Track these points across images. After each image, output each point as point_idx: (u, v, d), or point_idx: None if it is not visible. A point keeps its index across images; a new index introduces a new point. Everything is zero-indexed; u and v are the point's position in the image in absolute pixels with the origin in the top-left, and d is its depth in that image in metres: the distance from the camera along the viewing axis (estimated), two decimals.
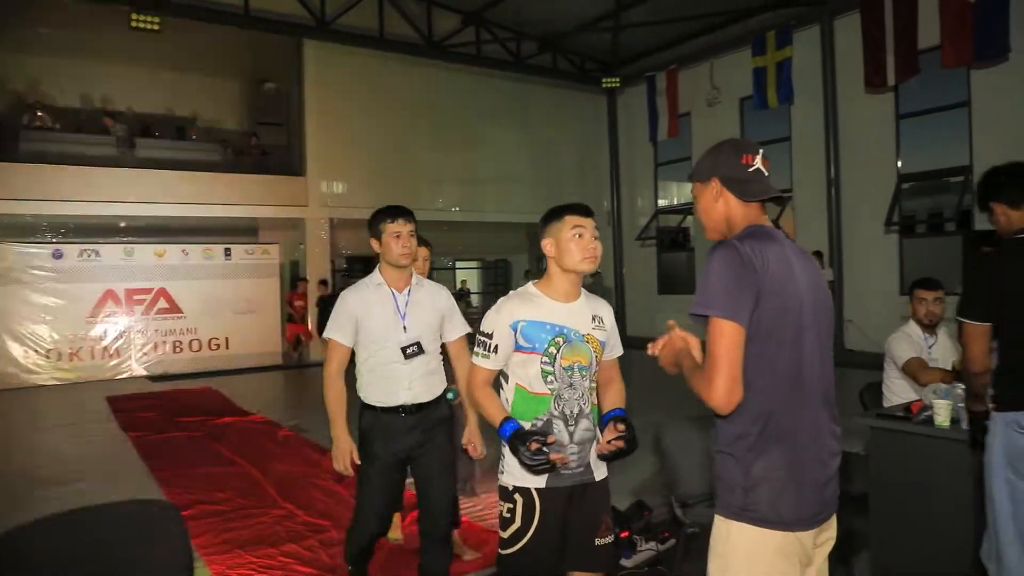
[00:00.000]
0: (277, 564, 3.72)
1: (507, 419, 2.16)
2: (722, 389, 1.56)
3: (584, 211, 2.25)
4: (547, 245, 2.25)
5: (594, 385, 2.28)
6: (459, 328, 2.97)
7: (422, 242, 3.44)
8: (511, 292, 2.33)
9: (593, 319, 2.26)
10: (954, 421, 2.86)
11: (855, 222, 11.33)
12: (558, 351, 2.21)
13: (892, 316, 8.88)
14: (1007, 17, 8.99)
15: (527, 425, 2.17)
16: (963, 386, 3.10)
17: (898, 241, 11.16)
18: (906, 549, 2.96)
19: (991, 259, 2.57)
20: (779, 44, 11.78)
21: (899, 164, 11.18)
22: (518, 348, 2.20)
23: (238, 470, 5.62)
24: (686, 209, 15.10)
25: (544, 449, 2.06)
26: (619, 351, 2.38)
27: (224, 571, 3.64)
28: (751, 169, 1.76)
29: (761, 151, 1.80)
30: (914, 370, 3.64)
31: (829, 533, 1.74)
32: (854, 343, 10.62)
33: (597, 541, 2.27)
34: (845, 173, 11.43)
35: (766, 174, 1.78)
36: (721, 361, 1.57)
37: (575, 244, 2.19)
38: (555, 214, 2.25)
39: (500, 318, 2.22)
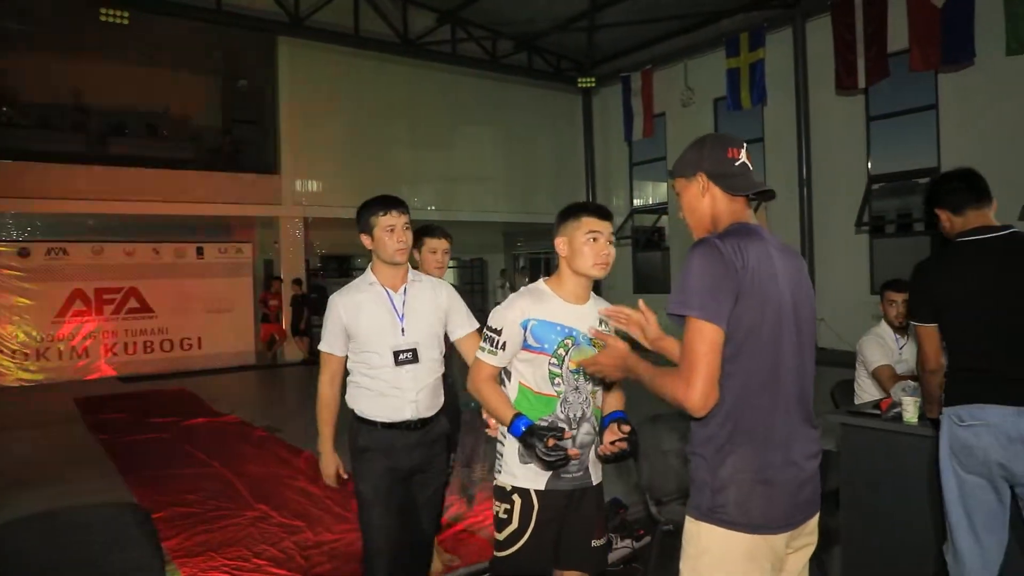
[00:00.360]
0: (251, 567, 3.68)
1: (518, 415, 2.11)
2: (699, 391, 1.53)
3: (603, 214, 2.19)
4: (560, 244, 2.19)
5: (597, 389, 2.24)
6: (467, 323, 2.69)
7: (441, 233, 3.25)
8: (522, 288, 2.27)
9: (601, 322, 2.21)
10: (922, 417, 2.91)
11: (826, 222, 11.48)
12: (567, 353, 2.17)
13: (863, 315, 9.02)
14: (972, 22, 9.16)
15: None
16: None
17: (868, 241, 11.33)
18: (877, 544, 3.01)
19: (932, 262, 2.62)
20: (752, 46, 11.91)
21: (869, 165, 11.36)
22: (526, 347, 2.16)
23: (211, 472, 5.55)
24: (661, 209, 15.21)
25: (560, 444, 2.04)
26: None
27: (196, 574, 3.59)
28: (737, 163, 1.73)
29: (745, 145, 1.77)
30: (883, 380, 3.71)
31: (808, 538, 1.71)
32: (825, 341, 10.75)
33: (593, 543, 2.26)
34: (816, 174, 11.58)
35: (751, 168, 1.75)
36: (699, 363, 1.53)
37: (589, 248, 2.13)
38: (572, 213, 2.18)
39: (511, 315, 2.16)
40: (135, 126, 13.08)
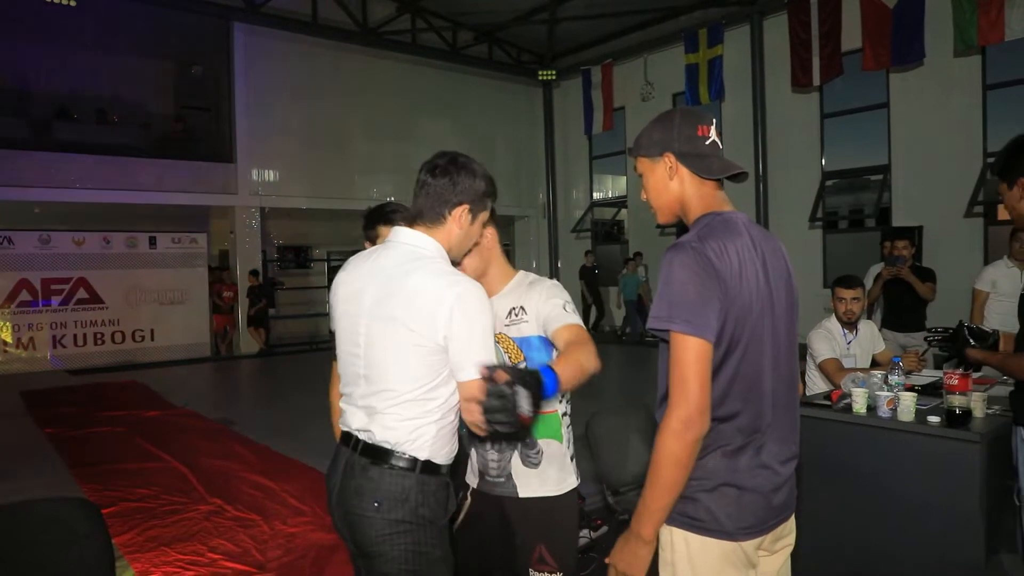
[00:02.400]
0: (205, 560, 3.63)
1: None
2: (694, 408, 1.39)
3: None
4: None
5: None
6: None
7: (401, 218, 2.98)
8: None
9: (509, 313, 2.00)
10: (870, 408, 3.00)
11: (781, 217, 11.72)
12: None
13: (816, 308, 9.23)
14: (923, 24, 9.42)
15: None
16: (879, 375, 3.26)
17: (821, 236, 11.61)
18: (827, 532, 3.10)
19: None
20: (711, 42, 12.07)
21: (823, 162, 11.63)
22: None
23: (164, 466, 5.45)
24: (620, 202, 15.34)
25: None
26: (565, 320, 1.91)
27: (148, 569, 3.53)
28: (708, 142, 1.57)
29: (714, 121, 1.61)
30: (830, 373, 3.81)
31: (786, 540, 1.64)
32: None
33: (532, 572, 2.00)
34: (772, 170, 11.81)
35: (721, 147, 1.60)
36: (690, 382, 1.40)
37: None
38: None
39: None
40: (83, 111, 12.66)
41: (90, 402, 8.17)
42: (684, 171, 1.58)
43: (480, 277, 1.99)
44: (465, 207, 1.78)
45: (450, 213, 1.78)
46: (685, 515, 1.51)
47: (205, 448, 5.92)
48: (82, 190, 11.00)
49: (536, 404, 1.55)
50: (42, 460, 5.78)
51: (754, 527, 1.51)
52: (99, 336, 11.51)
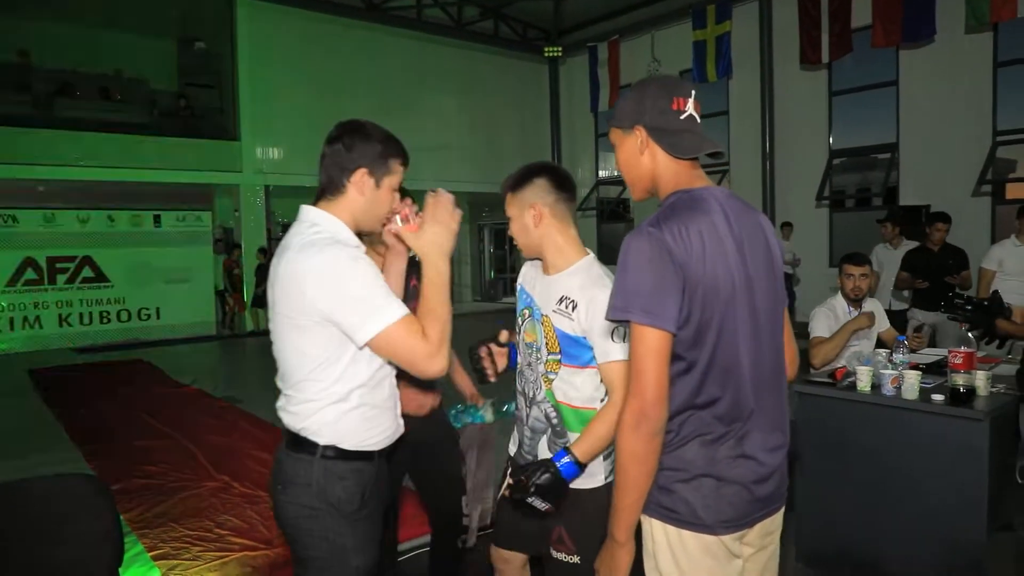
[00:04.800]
0: (213, 536, 3.67)
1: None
2: (650, 398, 1.33)
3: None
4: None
5: (552, 375, 1.95)
6: None
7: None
8: None
9: (561, 300, 1.91)
10: (874, 386, 3.01)
11: (788, 195, 11.66)
12: (523, 324, 2.07)
13: (822, 287, 9.21)
14: (933, 0, 9.30)
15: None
16: (884, 353, 3.26)
17: (828, 215, 11.55)
18: (830, 510, 3.12)
19: None
20: (718, 18, 11.93)
21: (831, 140, 11.53)
22: None
23: (171, 443, 5.49)
24: None
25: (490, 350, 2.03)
26: (610, 356, 1.81)
27: (156, 545, 3.57)
28: (683, 116, 1.47)
29: (694, 92, 1.50)
30: (811, 347, 3.80)
31: (773, 535, 1.55)
32: None
33: (552, 551, 2.01)
34: (779, 147, 11.73)
35: (698, 120, 1.49)
36: (647, 374, 1.33)
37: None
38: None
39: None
40: (86, 88, 12.61)
41: (97, 380, 8.23)
42: (655, 147, 1.48)
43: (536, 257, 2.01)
44: (363, 171, 1.70)
45: (349, 180, 1.70)
46: (662, 506, 1.45)
47: (212, 425, 5.97)
48: (86, 168, 10.99)
49: (555, 497, 1.75)
50: (50, 438, 5.83)
51: (734, 520, 1.43)
52: (105, 315, 11.57)
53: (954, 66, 9.85)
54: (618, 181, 15.72)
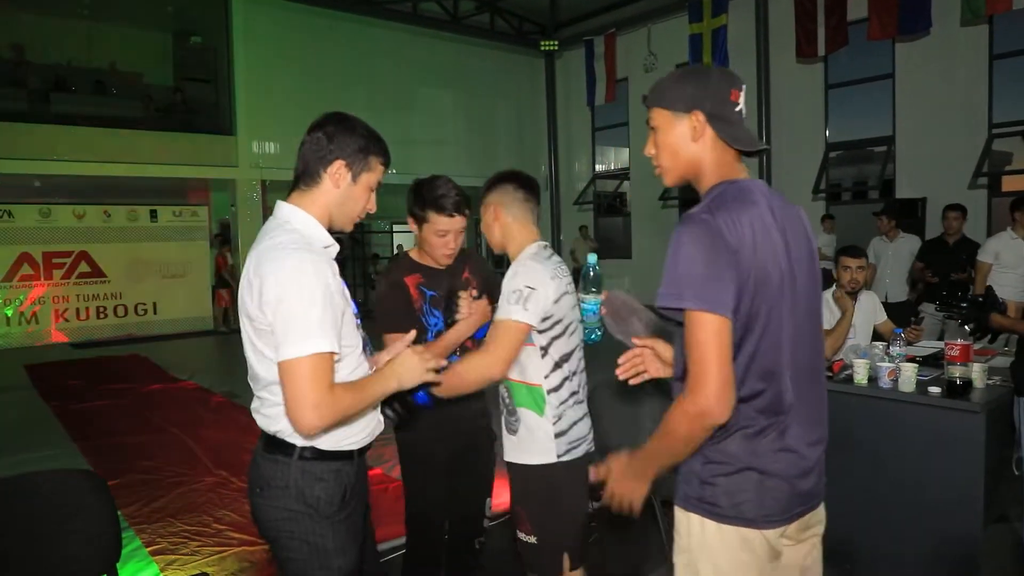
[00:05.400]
0: (211, 531, 3.66)
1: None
2: (713, 397, 1.30)
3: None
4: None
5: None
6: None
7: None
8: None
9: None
10: (871, 379, 3.01)
11: (785, 189, 11.61)
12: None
13: None
14: None
15: None
16: (881, 346, 3.26)
17: (825, 208, 11.54)
18: (825, 500, 3.12)
19: None
20: (715, 11, 11.87)
21: (827, 133, 11.53)
22: None
23: (168, 438, 5.49)
24: (623, 174, 15.24)
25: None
26: (499, 314, 2.01)
27: (154, 540, 3.57)
28: (737, 109, 1.45)
29: (744, 87, 1.48)
30: None
31: (813, 529, 1.53)
32: None
33: (517, 532, 2.12)
34: (776, 141, 11.71)
35: (744, 116, 1.48)
36: (709, 363, 1.30)
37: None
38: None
39: None
40: (81, 83, 12.55)
41: (94, 375, 8.21)
42: (710, 134, 1.44)
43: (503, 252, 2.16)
44: (341, 163, 1.66)
45: (325, 171, 1.66)
46: (703, 500, 1.43)
47: (209, 421, 5.97)
48: (81, 163, 10.92)
49: (407, 414, 1.83)
50: (47, 433, 5.82)
51: (777, 515, 1.41)
52: (102, 310, 11.53)
53: (950, 59, 9.84)
54: (614, 175, 15.71)
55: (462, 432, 2.39)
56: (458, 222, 2.30)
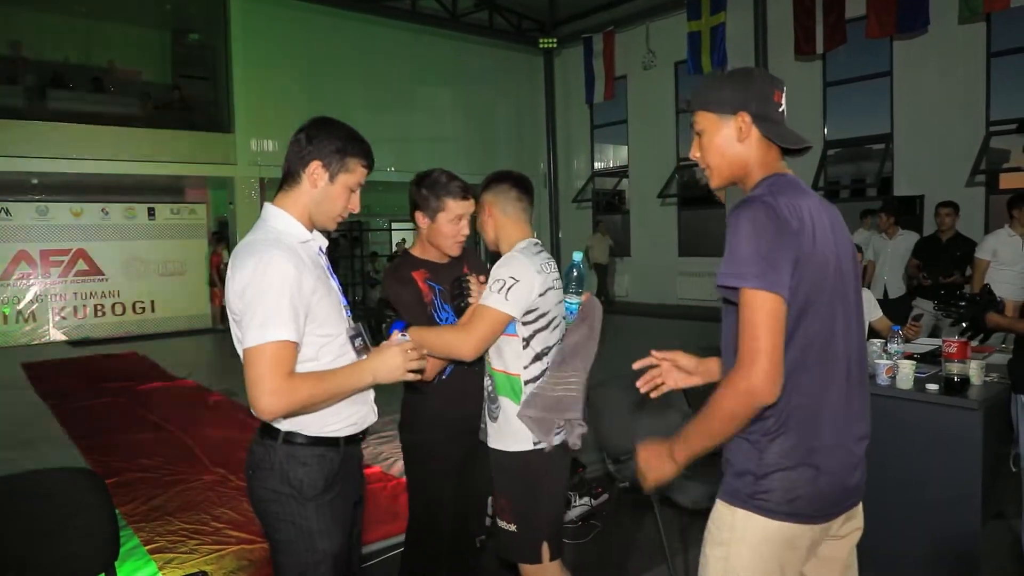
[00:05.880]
0: (209, 530, 3.66)
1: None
2: (764, 372, 1.30)
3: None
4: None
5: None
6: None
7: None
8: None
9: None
10: (869, 376, 3.01)
11: None
12: None
13: None
14: None
15: None
16: (878, 343, 3.26)
17: None
18: None
19: None
20: (713, 9, 11.88)
21: (825, 131, 11.53)
22: None
23: (166, 436, 5.48)
24: (622, 172, 15.24)
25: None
26: (481, 300, 2.12)
27: (152, 539, 3.56)
28: (780, 109, 1.50)
29: (785, 88, 1.52)
30: None
31: (854, 523, 1.55)
32: None
33: (497, 520, 2.18)
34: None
35: (786, 116, 1.52)
36: (762, 340, 1.30)
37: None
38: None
39: None
40: (79, 80, 12.52)
41: (92, 373, 8.20)
42: (756, 134, 1.48)
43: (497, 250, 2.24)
44: (317, 163, 1.74)
45: (304, 171, 1.74)
46: (755, 496, 1.42)
47: (207, 419, 5.96)
48: (79, 160, 10.89)
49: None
50: (44, 431, 5.81)
51: (828, 509, 1.43)
52: (99, 308, 11.52)
53: (948, 56, 9.85)
54: (613, 173, 15.71)
55: (468, 431, 2.39)
56: (471, 205, 2.36)
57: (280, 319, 1.57)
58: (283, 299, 1.59)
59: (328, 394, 1.65)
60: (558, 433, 2.13)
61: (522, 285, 2.05)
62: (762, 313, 1.31)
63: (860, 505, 1.55)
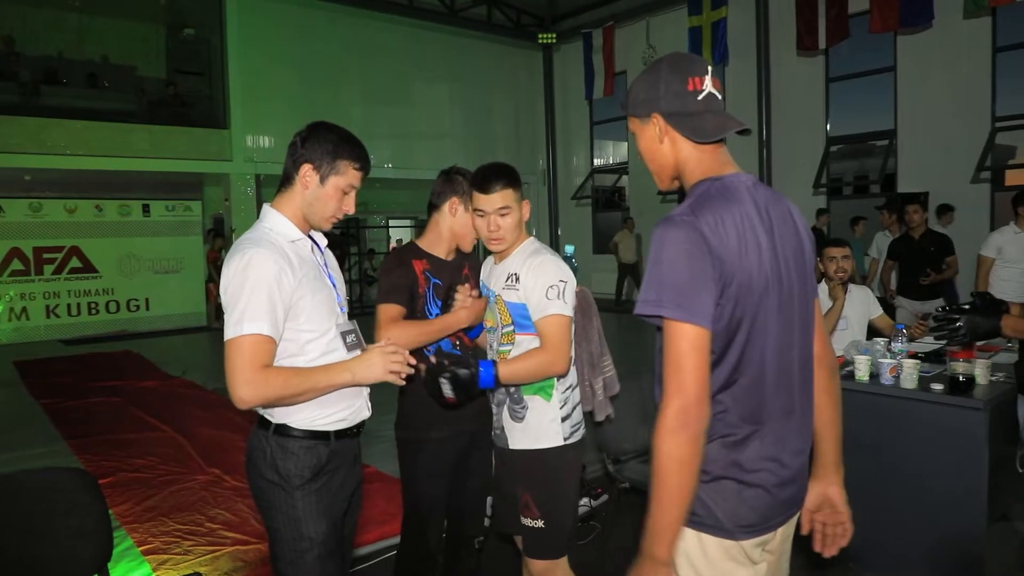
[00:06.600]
0: (204, 531, 3.65)
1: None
2: (688, 398, 1.25)
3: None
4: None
5: (504, 349, 2.19)
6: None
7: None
8: None
9: (508, 277, 2.18)
10: (872, 375, 3.00)
11: (785, 183, 11.64)
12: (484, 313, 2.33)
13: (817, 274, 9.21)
14: None
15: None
16: (882, 342, 3.25)
17: (826, 203, 11.55)
18: None
19: None
20: (714, 4, 11.86)
21: (828, 127, 11.52)
22: None
23: (161, 436, 5.47)
24: (622, 168, 15.23)
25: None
26: (545, 311, 2.07)
27: (146, 539, 3.55)
28: (700, 96, 1.39)
29: (710, 68, 1.42)
30: None
31: (785, 544, 1.53)
32: None
33: (521, 518, 2.19)
34: (776, 135, 11.70)
35: (719, 98, 1.42)
36: (685, 373, 1.26)
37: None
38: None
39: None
40: (73, 76, 12.49)
41: (85, 372, 8.18)
42: (675, 133, 1.41)
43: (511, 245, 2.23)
44: (308, 166, 1.81)
45: (296, 174, 1.82)
46: None
47: (202, 418, 5.94)
48: (73, 156, 10.87)
49: (462, 393, 1.99)
50: (37, 431, 5.80)
51: (756, 526, 1.38)
52: (93, 306, 11.50)
53: (952, 51, 9.84)
54: (613, 170, 15.70)
55: (464, 431, 2.39)
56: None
57: (256, 314, 1.66)
58: (260, 295, 1.67)
59: (302, 388, 1.71)
60: (576, 430, 2.21)
61: (570, 285, 2.12)
62: (684, 344, 1.26)
63: (794, 520, 1.53)
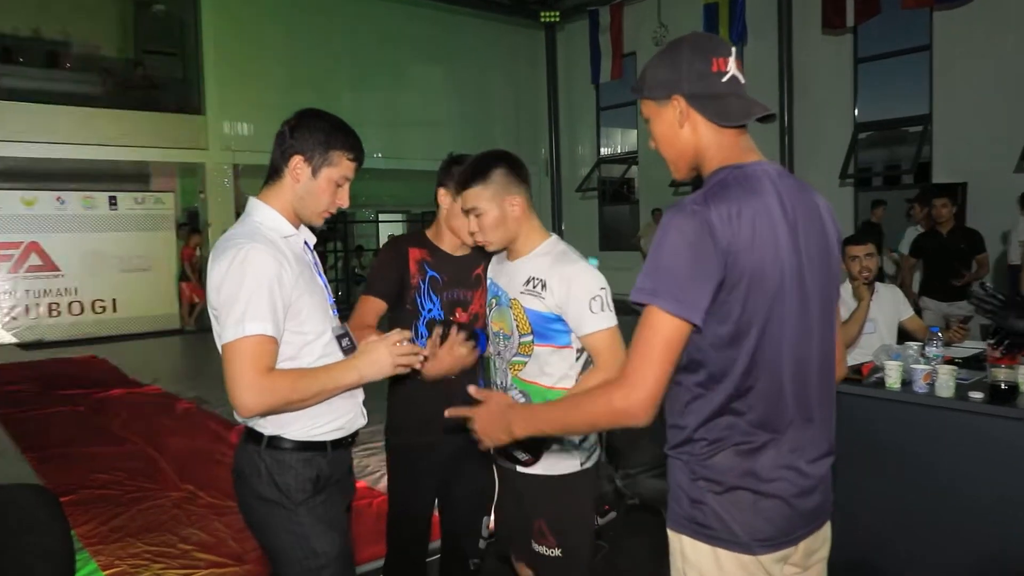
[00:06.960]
0: (176, 552, 3.65)
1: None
2: (646, 400, 1.29)
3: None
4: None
5: (519, 360, 2.14)
6: None
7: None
8: None
9: (528, 281, 2.09)
10: (905, 383, 3.00)
11: (808, 173, 11.64)
12: (490, 313, 2.26)
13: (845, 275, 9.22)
14: None
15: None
16: (915, 346, 3.25)
17: (853, 194, 11.55)
18: (858, 515, 3.11)
19: None
20: None
21: (856, 112, 11.52)
22: None
23: (129, 449, 5.47)
24: (631, 158, 15.24)
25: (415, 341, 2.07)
26: (594, 326, 2.01)
27: (112, 562, 3.55)
28: (725, 78, 1.43)
29: (733, 50, 1.46)
30: None
31: (819, 553, 1.54)
32: None
33: (534, 545, 2.18)
34: (799, 120, 11.71)
35: (743, 81, 1.46)
36: (655, 366, 1.29)
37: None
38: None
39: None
40: (32, 55, 12.49)
41: (45, 380, 8.17)
42: (697, 116, 1.43)
43: (507, 245, 2.15)
44: (299, 158, 1.81)
45: (286, 166, 1.82)
46: (694, 521, 1.42)
47: (175, 429, 5.94)
48: (31, 143, 10.85)
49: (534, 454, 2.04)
50: None
51: (774, 539, 1.40)
52: (54, 307, 11.49)
53: (995, 28, 9.82)
54: (621, 160, 15.71)
55: (454, 441, 2.38)
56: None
57: (258, 313, 1.65)
58: (261, 293, 1.66)
59: (310, 391, 1.71)
60: (592, 454, 2.20)
61: (609, 291, 2.06)
62: (662, 336, 1.29)
63: (825, 529, 1.54)
